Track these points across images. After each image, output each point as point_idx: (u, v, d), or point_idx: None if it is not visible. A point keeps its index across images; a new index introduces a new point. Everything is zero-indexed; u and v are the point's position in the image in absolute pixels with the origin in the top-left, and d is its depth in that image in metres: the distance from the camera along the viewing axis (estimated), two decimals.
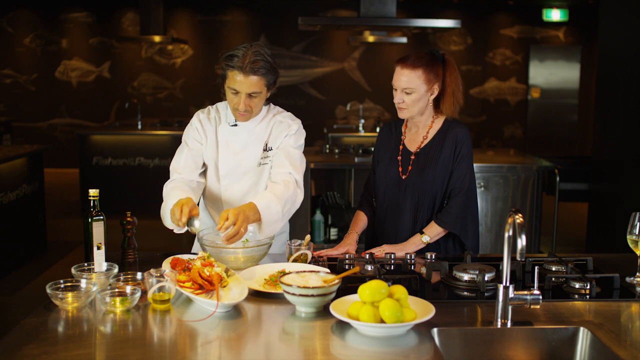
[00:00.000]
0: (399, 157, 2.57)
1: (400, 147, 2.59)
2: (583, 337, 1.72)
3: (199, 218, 2.16)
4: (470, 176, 2.50)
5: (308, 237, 2.33)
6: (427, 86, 2.44)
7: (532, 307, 1.75)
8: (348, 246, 2.46)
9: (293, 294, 1.77)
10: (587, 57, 11.12)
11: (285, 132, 2.44)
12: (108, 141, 7.55)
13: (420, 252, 2.43)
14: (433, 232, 2.46)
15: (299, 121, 2.51)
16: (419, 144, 2.55)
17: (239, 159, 2.45)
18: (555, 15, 11.03)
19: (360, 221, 2.64)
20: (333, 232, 5.13)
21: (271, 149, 2.45)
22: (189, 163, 2.43)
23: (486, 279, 2.01)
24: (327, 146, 5.65)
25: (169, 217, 2.23)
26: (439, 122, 2.54)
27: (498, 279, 2.04)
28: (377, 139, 2.71)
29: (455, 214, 2.46)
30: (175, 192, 2.33)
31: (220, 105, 2.52)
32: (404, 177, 2.53)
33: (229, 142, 2.45)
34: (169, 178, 2.50)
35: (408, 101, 2.45)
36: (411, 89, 2.42)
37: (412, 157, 2.54)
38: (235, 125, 2.44)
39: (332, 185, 5.51)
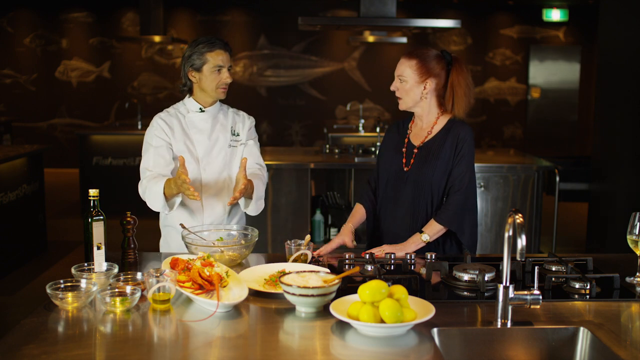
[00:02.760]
0: (404, 150, 2.64)
1: (406, 140, 2.67)
2: (583, 337, 1.72)
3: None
4: (469, 175, 2.52)
5: (308, 237, 2.34)
6: (419, 77, 2.53)
7: (532, 307, 1.75)
8: (343, 236, 2.53)
9: (293, 294, 1.77)
10: (587, 57, 11.12)
11: (247, 121, 2.80)
12: (108, 141, 7.55)
13: (421, 252, 2.44)
14: (432, 230, 2.48)
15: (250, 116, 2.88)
16: (422, 139, 2.62)
17: (212, 140, 2.71)
18: (555, 15, 11.02)
19: (358, 214, 2.69)
20: (333, 232, 5.12)
21: (238, 134, 2.76)
22: (158, 160, 2.61)
23: (486, 279, 2.01)
24: (327, 146, 5.64)
25: (162, 197, 2.46)
26: (443, 120, 2.60)
27: (498, 279, 2.05)
28: (384, 135, 2.80)
29: (452, 210, 2.48)
30: (159, 178, 2.52)
31: (176, 105, 2.78)
32: (406, 169, 2.60)
33: (199, 127, 2.71)
34: None
35: (401, 89, 2.57)
36: (403, 77, 2.55)
37: (415, 150, 2.60)
38: (203, 111, 2.71)
39: (332, 185, 5.51)
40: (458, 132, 2.54)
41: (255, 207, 2.63)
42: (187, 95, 2.74)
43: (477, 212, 2.60)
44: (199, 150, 2.68)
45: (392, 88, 2.60)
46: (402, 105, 2.60)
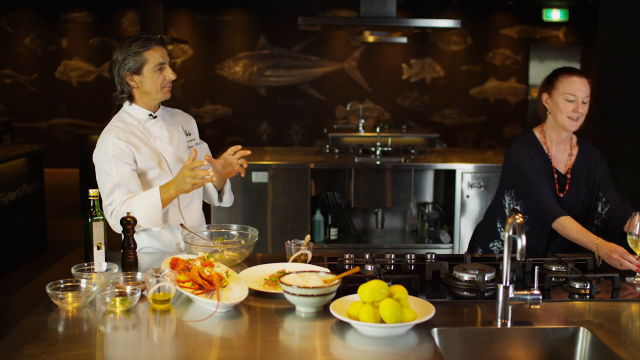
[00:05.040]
0: (555, 176, 2.61)
1: (553, 166, 2.62)
2: (583, 337, 1.72)
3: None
4: None
5: (308, 237, 2.34)
6: (589, 95, 2.55)
7: (532, 307, 1.75)
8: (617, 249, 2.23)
9: (293, 294, 1.77)
10: (587, 57, 11.12)
11: (191, 119, 2.69)
12: None
13: (420, 252, 2.44)
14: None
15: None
16: (566, 163, 2.63)
17: (175, 146, 2.52)
18: (555, 15, 11.02)
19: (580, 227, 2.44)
20: (333, 232, 5.12)
21: (190, 134, 2.62)
22: (123, 194, 2.35)
23: (486, 279, 2.01)
24: (327, 146, 5.64)
25: (160, 206, 2.30)
26: (574, 139, 2.65)
27: (498, 279, 2.05)
28: (525, 161, 2.59)
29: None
30: (142, 192, 2.36)
31: (119, 116, 2.53)
32: (560, 195, 2.59)
33: (159, 135, 2.49)
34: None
35: (584, 111, 2.54)
36: (587, 98, 2.53)
37: (569, 176, 2.60)
38: (155, 117, 2.51)
39: (332, 185, 5.51)
40: (594, 153, 2.64)
41: (229, 197, 2.65)
42: (128, 103, 2.50)
43: None
44: (170, 158, 2.48)
45: (575, 113, 2.50)
46: (577, 126, 2.54)
